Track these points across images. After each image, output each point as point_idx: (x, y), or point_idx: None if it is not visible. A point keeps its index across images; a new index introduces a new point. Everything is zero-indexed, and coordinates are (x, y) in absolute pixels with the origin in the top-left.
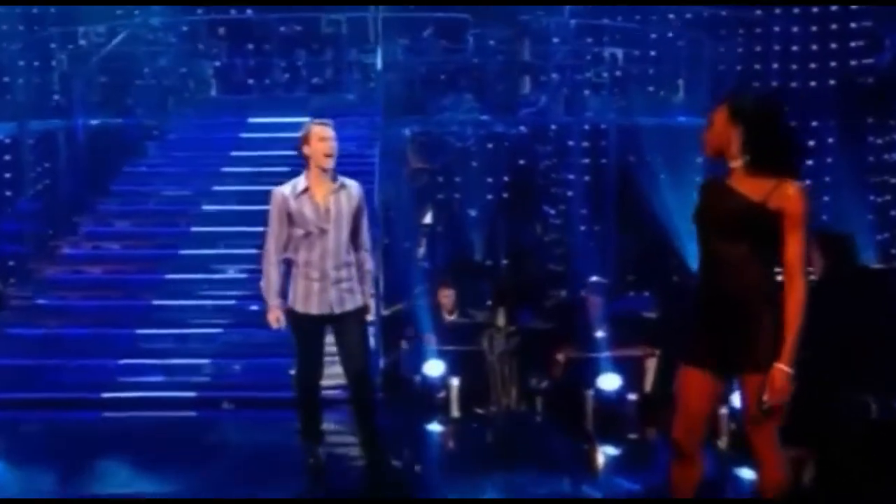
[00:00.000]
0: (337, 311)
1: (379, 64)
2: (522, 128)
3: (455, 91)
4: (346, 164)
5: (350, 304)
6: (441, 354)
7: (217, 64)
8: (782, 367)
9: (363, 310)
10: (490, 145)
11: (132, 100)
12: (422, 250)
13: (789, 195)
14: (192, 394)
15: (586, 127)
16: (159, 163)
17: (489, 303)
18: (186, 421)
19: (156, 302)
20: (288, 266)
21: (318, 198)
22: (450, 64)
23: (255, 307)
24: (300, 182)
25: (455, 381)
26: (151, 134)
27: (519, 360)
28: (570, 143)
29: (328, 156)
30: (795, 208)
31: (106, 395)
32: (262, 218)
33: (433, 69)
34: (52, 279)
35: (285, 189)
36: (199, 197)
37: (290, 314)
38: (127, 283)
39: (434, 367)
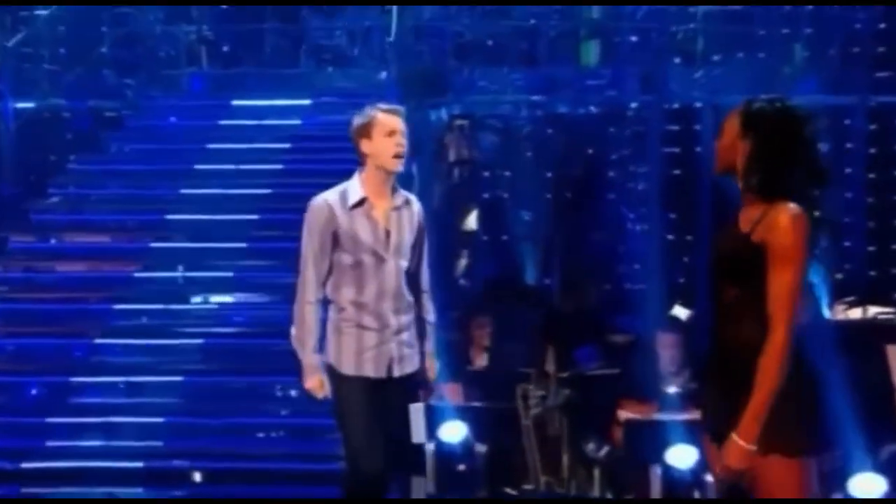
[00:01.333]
0: (397, 373)
1: (395, 29)
2: (592, 108)
3: (501, 62)
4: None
5: (410, 366)
6: (463, 413)
7: (193, 30)
8: (736, 440)
9: (420, 374)
10: (549, 131)
11: (80, 77)
12: (462, 263)
13: (776, 223)
14: (139, 464)
15: (674, 106)
16: (115, 159)
17: (537, 338)
18: None
19: (100, 341)
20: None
21: (378, 214)
22: (493, 27)
23: (233, 346)
24: (354, 189)
25: (481, 449)
26: (106, 121)
27: (570, 419)
28: (653, 127)
29: (398, 157)
30: (782, 240)
31: (27, 465)
32: (244, 230)
33: (471, 34)
34: None
35: (331, 197)
36: (164, 203)
37: (333, 377)
38: (64, 316)
39: (453, 431)
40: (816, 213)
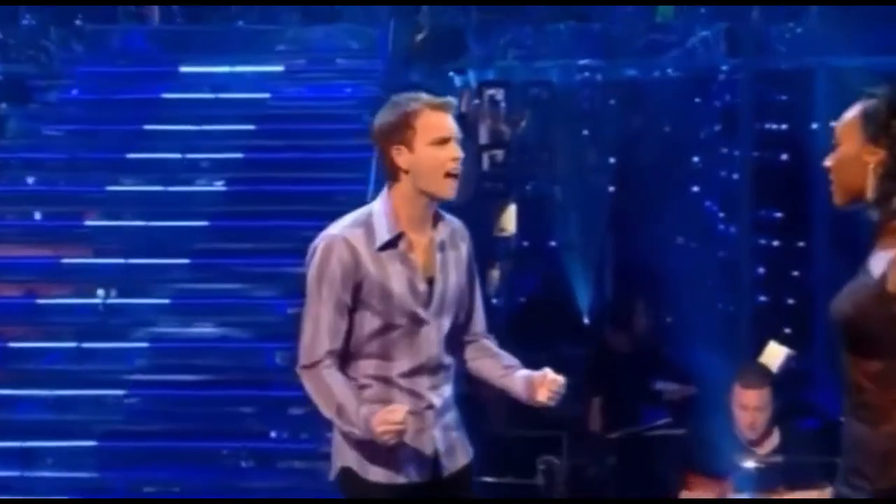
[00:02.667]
0: (446, 469)
1: None
2: (670, 71)
3: (546, 14)
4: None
5: (463, 456)
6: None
7: None
8: None
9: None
10: (612, 102)
11: None
12: (496, 275)
13: None
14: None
15: (781, 67)
16: (21, 145)
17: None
18: None
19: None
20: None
21: (419, 256)
22: None
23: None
24: (381, 221)
25: None
26: (11, 95)
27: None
28: (747, 98)
29: (452, 176)
30: None
31: None
32: (186, 244)
33: None
34: None
35: (351, 233)
36: (84, 205)
37: (353, 484)
38: None
39: None
40: None
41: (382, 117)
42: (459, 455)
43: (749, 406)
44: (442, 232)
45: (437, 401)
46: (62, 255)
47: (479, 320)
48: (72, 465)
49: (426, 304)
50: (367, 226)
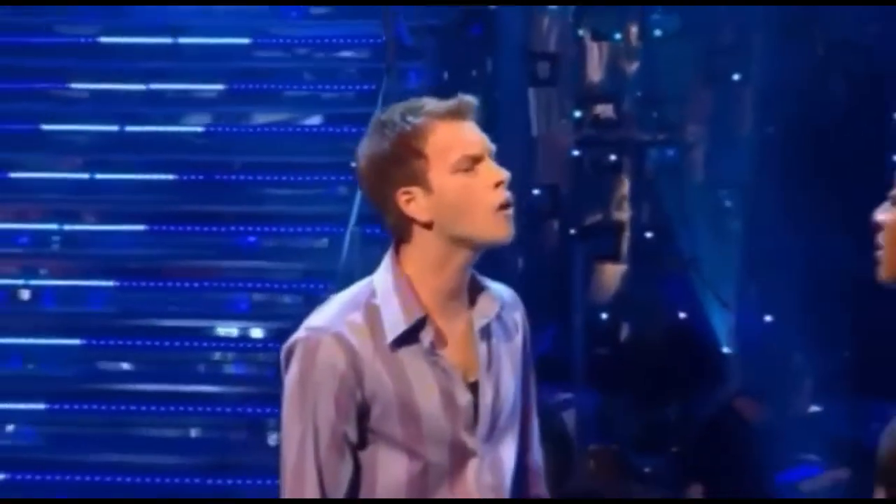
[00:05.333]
0: None
1: None
2: None
3: None
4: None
5: None
6: None
7: None
8: None
9: None
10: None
11: None
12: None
13: None
14: None
15: None
16: None
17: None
18: None
19: None
20: None
21: (456, 351)
22: None
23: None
24: (391, 303)
25: None
26: None
27: None
28: None
29: (503, 208)
30: None
31: None
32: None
33: None
34: None
35: (347, 325)
36: None
37: None
38: None
39: None
40: None
41: (371, 149)
42: None
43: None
44: (485, 310)
45: None
46: None
47: (534, 445)
48: None
49: (472, 423)
50: (371, 310)
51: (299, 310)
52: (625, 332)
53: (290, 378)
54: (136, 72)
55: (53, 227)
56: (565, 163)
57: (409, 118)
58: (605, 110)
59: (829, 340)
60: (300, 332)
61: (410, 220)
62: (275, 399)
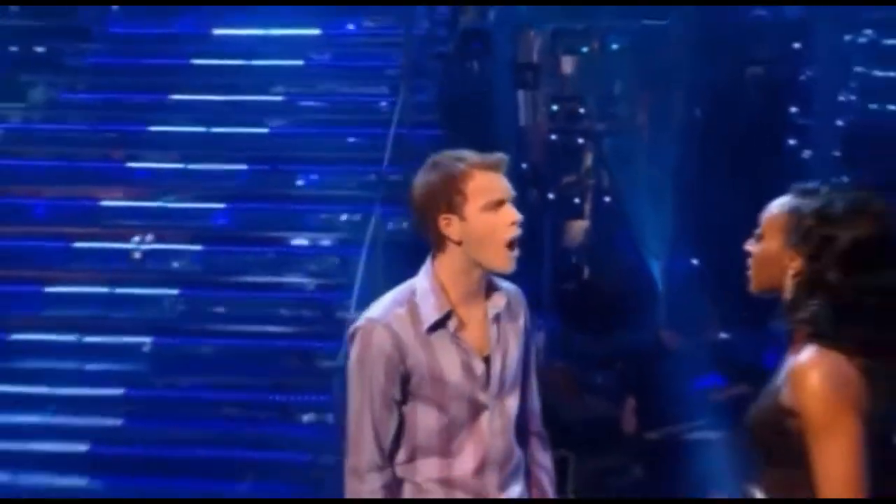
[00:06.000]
0: None
1: None
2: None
3: None
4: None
5: None
6: None
7: None
8: None
9: None
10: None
11: None
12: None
13: (797, 379)
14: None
15: None
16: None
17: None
18: None
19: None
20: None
21: (473, 334)
22: None
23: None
24: (427, 301)
25: None
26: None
27: None
28: None
29: (511, 244)
30: (810, 405)
31: None
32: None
33: None
34: None
35: (392, 317)
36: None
37: None
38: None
39: None
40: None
41: (425, 182)
42: None
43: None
44: (497, 303)
45: (504, 484)
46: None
47: (534, 411)
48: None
49: (485, 386)
50: (411, 305)
51: (337, 268)
52: (585, 273)
53: (353, 356)
54: (218, 86)
55: (158, 204)
56: (544, 145)
57: (458, 164)
58: (573, 107)
59: (735, 284)
60: (360, 321)
61: (445, 238)
62: (321, 336)
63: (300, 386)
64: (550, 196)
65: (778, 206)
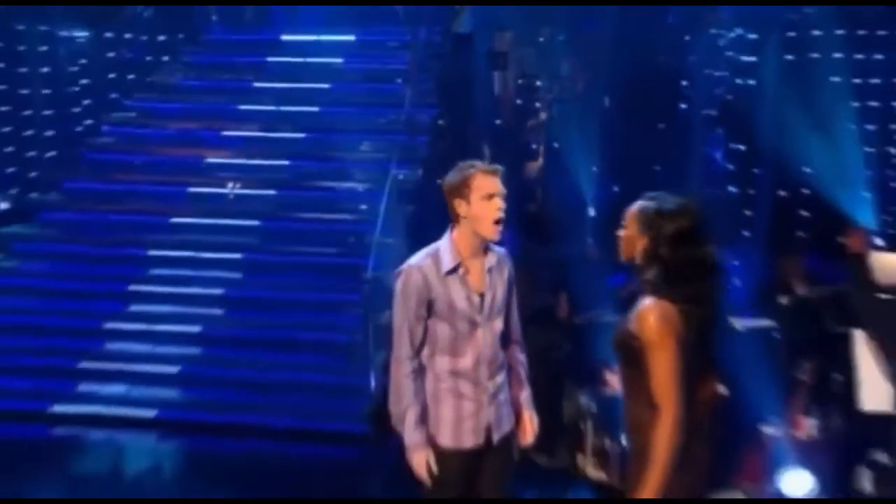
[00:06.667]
0: (496, 438)
1: None
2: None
3: None
4: None
5: (507, 425)
6: None
7: None
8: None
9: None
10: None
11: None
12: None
13: (640, 317)
14: (154, 413)
15: None
16: (170, 98)
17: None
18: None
19: (134, 288)
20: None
21: (473, 279)
22: None
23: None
24: (446, 254)
25: None
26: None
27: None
28: None
29: (498, 223)
30: (646, 334)
31: (58, 408)
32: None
33: None
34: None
35: (424, 264)
36: (206, 148)
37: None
38: (109, 260)
39: None
40: (699, 306)
41: (450, 177)
42: (505, 425)
43: None
44: (491, 260)
45: (492, 387)
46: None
47: (515, 328)
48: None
49: (479, 311)
50: (436, 258)
51: (367, 208)
52: (538, 197)
53: (397, 289)
54: (284, 76)
55: (243, 161)
56: (512, 109)
57: (469, 169)
58: (532, 81)
59: None
60: (403, 266)
61: (458, 215)
62: (357, 254)
63: (340, 287)
64: (516, 143)
65: (634, 206)
